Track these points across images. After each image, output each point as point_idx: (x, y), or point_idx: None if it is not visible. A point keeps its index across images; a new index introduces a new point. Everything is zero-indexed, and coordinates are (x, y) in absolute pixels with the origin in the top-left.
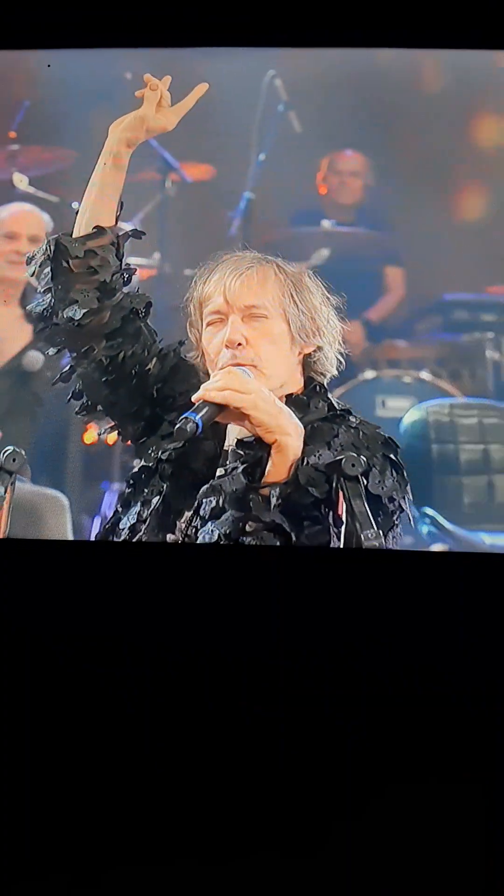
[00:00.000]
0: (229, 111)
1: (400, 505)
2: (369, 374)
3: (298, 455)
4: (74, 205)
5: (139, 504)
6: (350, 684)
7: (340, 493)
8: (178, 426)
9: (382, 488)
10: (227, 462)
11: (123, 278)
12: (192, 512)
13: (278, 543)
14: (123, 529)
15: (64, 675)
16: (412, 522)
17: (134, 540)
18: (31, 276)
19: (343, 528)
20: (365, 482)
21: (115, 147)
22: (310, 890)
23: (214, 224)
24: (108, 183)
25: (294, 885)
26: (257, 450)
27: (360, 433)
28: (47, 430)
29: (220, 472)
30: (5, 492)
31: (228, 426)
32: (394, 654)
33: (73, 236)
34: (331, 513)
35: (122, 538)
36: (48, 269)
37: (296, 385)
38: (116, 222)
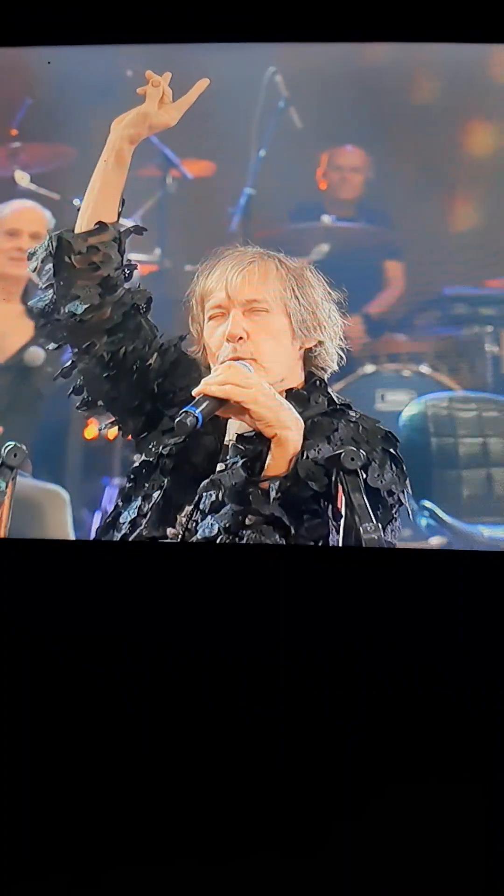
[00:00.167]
0: (230, 108)
1: (399, 498)
2: (369, 368)
3: (298, 449)
4: (76, 201)
5: (140, 498)
6: (350, 684)
7: (340, 487)
8: (178, 420)
9: (381, 482)
10: (228, 457)
11: (125, 274)
12: (192, 506)
13: (278, 536)
14: (124, 523)
15: (64, 675)
16: (411, 515)
17: (134, 534)
18: (33, 271)
19: (342, 521)
20: (364, 476)
21: (118, 144)
22: (310, 890)
23: (215, 220)
24: (110, 179)
25: (294, 885)
26: (257, 444)
27: (360, 427)
28: (48, 426)
29: (220, 466)
30: (7, 486)
31: (229, 421)
32: (394, 654)
33: (76, 232)
34: (330, 506)
35: (123, 532)
36: (50, 265)
37: (296, 380)
38: (118, 219)
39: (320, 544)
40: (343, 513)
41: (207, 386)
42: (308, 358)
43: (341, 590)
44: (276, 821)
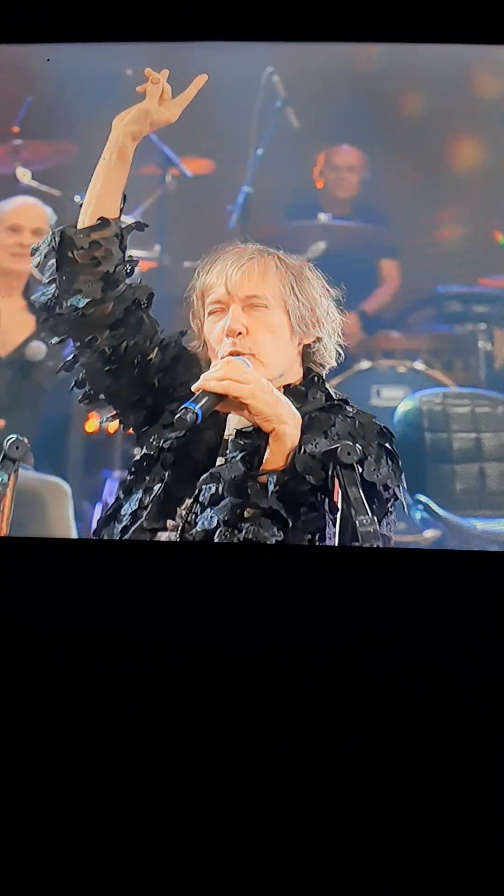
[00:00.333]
0: (228, 107)
1: (394, 492)
2: (364, 365)
3: (296, 444)
4: (77, 198)
5: (141, 491)
6: (350, 684)
7: (336, 481)
8: (178, 416)
9: (377, 476)
10: (227, 451)
11: (126, 270)
12: (192, 499)
13: (276, 529)
14: (125, 515)
15: (64, 675)
16: (406, 509)
17: (135, 525)
18: (36, 267)
19: (339, 514)
20: (360, 470)
21: (121, 140)
22: (310, 890)
23: (213, 217)
24: (112, 176)
25: (294, 885)
26: (256, 439)
27: (357, 423)
28: (50, 419)
29: (220, 460)
30: (9, 479)
31: (228, 416)
32: (394, 653)
33: (78, 228)
34: (327, 500)
35: (124, 524)
36: (53, 260)
37: (295, 375)
38: (120, 215)
39: (317, 538)
40: (339, 506)
41: (206, 381)
42: (306, 354)
43: (341, 590)
44: (276, 821)
